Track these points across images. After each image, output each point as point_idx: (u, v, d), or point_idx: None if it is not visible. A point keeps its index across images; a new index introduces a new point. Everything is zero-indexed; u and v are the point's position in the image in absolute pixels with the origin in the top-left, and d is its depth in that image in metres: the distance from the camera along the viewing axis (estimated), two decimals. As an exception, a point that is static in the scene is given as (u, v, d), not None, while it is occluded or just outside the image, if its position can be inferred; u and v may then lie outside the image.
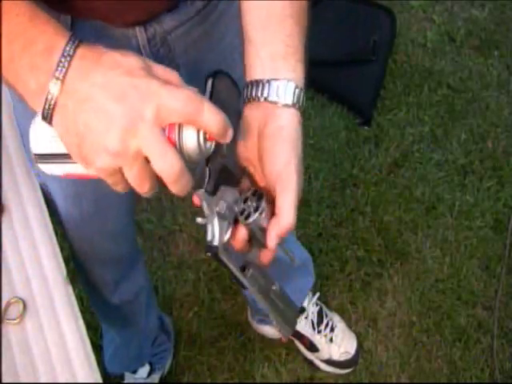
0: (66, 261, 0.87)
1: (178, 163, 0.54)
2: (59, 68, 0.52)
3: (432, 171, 1.91)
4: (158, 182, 0.56)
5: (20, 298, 0.81)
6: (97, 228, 1.05)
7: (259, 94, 0.65)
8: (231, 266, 0.62)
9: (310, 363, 1.61)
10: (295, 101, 0.65)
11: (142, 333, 1.46)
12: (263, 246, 0.65)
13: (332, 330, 1.59)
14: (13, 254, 0.85)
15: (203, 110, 0.54)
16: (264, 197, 0.65)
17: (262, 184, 0.67)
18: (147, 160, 0.54)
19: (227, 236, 0.62)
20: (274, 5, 0.67)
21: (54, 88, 0.53)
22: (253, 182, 0.67)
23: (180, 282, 1.71)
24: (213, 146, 0.57)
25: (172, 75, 0.57)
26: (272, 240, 0.63)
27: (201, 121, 0.54)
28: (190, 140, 0.55)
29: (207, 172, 0.60)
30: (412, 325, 1.67)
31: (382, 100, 2.05)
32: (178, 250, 1.76)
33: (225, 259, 0.61)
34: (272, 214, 0.64)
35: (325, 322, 1.59)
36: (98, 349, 1.50)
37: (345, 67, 2.05)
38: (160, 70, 0.56)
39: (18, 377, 0.76)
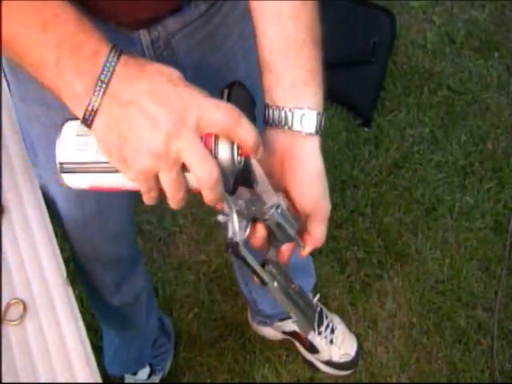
0: (66, 262, 0.87)
1: (217, 170, 0.55)
2: (104, 72, 0.54)
3: (432, 172, 1.91)
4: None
5: (20, 299, 0.81)
6: (98, 229, 1.06)
7: (283, 123, 0.67)
8: (252, 261, 0.64)
9: (310, 364, 1.61)
10: (318, 129, 0.67)
11: (142, 334, 1.46)
12: (281, 243, 0.69)
13: (332, 331, 1.59)
14: (13, 255, 0.85)
15: (241, 124, 0.56)
16: (281, 194, 0.67)
17: (279, 189, 0.69)
18: (184, 169, 0.56)
19: (246, 233, 0.65)
20: (291, 31, 0.68)
21: (99, 91, 0.54)
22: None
23: (180, 283, 1.71)
24: (243, 161, 0.60)
25: (207, 93, 0.58)
26: (306, 254, 0.71)
27: (237, 134, 0.56)
28: (225, 152, 0.57)
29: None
30: (412, 326, 1.67)
31: (382, 101, 2.05)
32: (178, 252, 1.76)
33: (245, 254, 0.63)
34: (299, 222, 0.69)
35: (325, 323, 1.59)
36: (98, 350, 1.50)
37: (345, 68, 2.05)
38: (196, 87, 0.57)
39: (18, 378, 0.76)
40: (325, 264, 1.74)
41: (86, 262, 1.14)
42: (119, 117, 0.54)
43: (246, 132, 0.56)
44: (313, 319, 0.73)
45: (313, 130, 0.67)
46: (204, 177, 0.55)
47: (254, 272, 0.66)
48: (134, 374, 1.55)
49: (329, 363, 1.59)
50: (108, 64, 0.54)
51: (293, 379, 1.60)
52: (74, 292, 0.84)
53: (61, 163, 0.60)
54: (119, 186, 0.60)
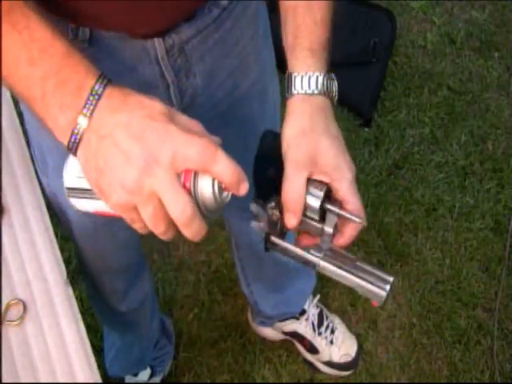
0: (66, 262, 0.87)
1: (190, 208, 0.55)
2: (87, 106, 0.55)
3: (432, 173, 1.91)
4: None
5: (20, 300, 0.81)
6: (109, 237, 1.05)
7: (293, 89, 0.71)
8: (293, 249, 0.68)
9: (310, 365, 1.61)
10: (326, 89, 0.70)
11: (144, 337, 1.46)
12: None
13: (332, 332, 1.59)
14: (13, 256, 0.85)
15: (217, 160, 0.55)
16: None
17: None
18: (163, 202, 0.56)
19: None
20: (322, 37, 0.73)
21: (80, 124, 0.55)
22: None
23: (180, 283, 1.71)
24: (229, 196, 0.59)
25: (194, 125, 0.58)
26: (349, 237, 0.71)
27: (214, 170, 0.56)
28: (205, 188, 0.56)
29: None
30: (412, 326, 1.67)
31: (382, 101, 2.05)
32: (178, 252, 1.76)
33: (286, 245, 0.68)
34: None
35: (325, 324, 1.59)
36: (98, 351, 1.50)
37: (345, 69, 2.04)
38: (183, 119, 0.58)
39: (18, 378, 0.76)
40: (325, 264, 1.73)
41: (95, 270, 1.14)
42: (96, 150, 0.56)
43: (222, 168, 0.56)
44: (381, 283, 0.69)
45: (316, 90, 0.70)
46: (176, 214, 0.55)
47: (298, 257, 0.67)
48: (135, 375, 1.55)
49: (329, 364, 1.59)
50: (91, 97, 0.55)
51: (293, 380, 1.60)
52: (74, 292, 0.84)
53: (67, 188, 0.62)
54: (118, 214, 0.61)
